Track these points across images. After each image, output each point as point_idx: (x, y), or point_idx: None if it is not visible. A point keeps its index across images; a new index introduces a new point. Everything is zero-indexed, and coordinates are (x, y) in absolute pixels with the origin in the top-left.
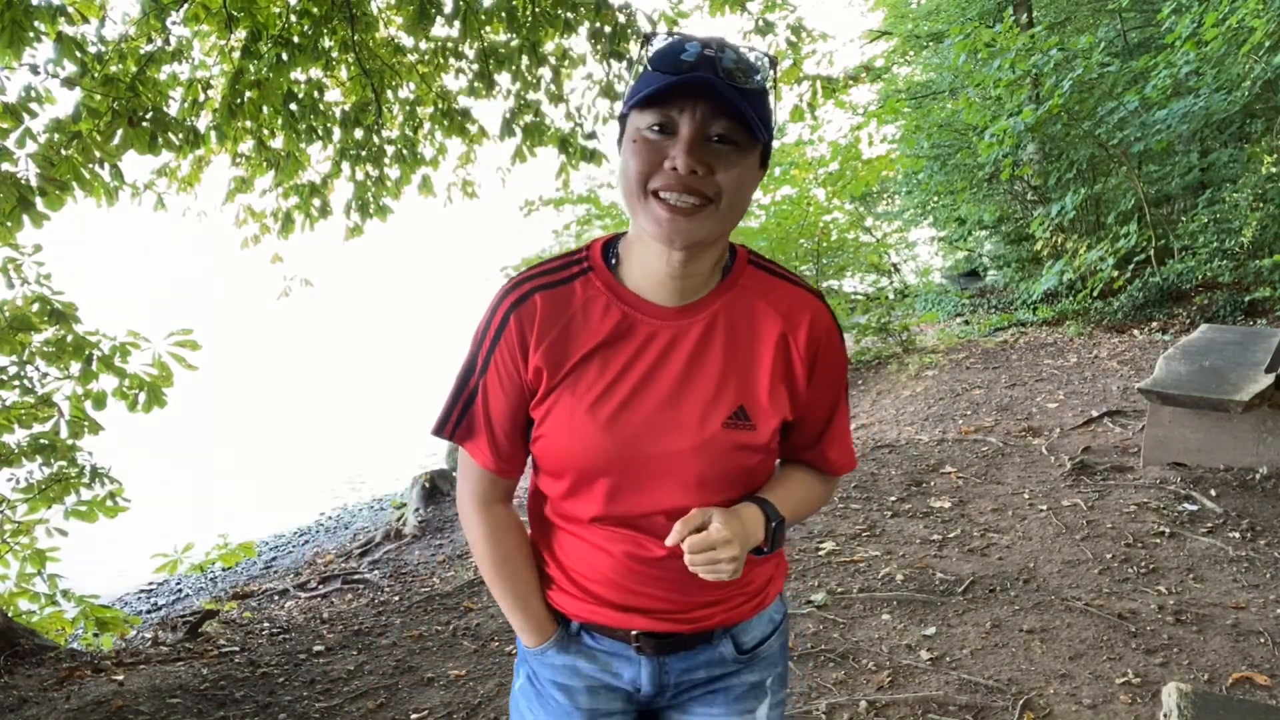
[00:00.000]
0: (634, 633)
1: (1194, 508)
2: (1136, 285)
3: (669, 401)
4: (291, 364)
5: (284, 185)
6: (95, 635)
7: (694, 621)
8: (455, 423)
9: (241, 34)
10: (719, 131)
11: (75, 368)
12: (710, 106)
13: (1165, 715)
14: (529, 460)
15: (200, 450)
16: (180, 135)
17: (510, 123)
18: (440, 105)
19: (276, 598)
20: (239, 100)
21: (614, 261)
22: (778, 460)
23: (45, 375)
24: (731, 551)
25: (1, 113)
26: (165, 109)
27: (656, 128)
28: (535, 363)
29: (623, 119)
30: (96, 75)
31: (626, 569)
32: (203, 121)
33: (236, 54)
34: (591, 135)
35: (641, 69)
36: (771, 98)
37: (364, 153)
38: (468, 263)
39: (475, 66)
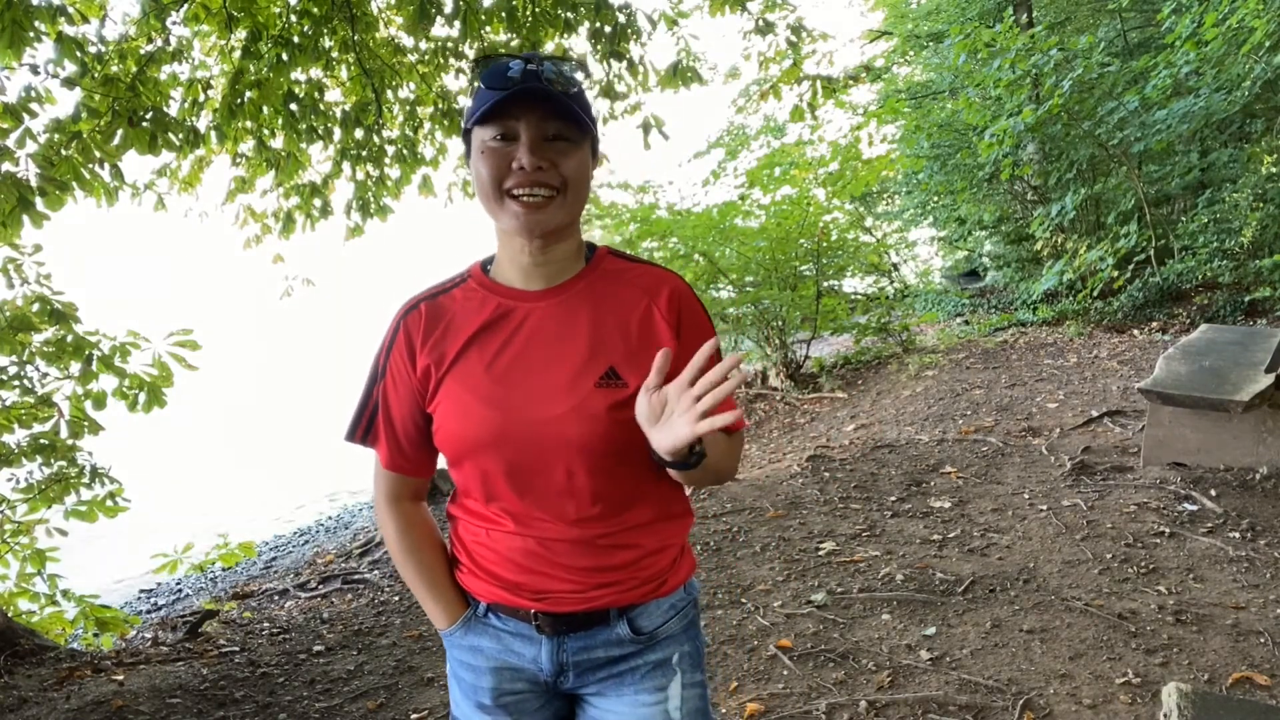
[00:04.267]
0: (533, 612)
1: (1194, 508)
2: (1136, 285)
3: (543, 370)
4: (291, 363)
5: (284, 185)
6: (95, 635)
7: (587, 601)
8: (364, 429)
9: (241, 34)
10: (554, 131)
11: (75, 368)
12: (542, 110)
13: (1165, 715)
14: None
15: (201, 449)
16: (180, 135)
17: None
18: (440, 105)
19: (276, 598)
20: (239, 100)
21: (489, 269)
22: None
23: (45, 375)
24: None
25: (1, 113)
26: (165, 109)
27: (499, 137)
28: (423, 363)
29: (466, 136)
30: (96, 75)
31: (522, 551)
32: (203, 121)
33: (236, 54)
34: None
35: (476, 89)
36: (589, 97)
37: (364, 153)
38: (467, 263)
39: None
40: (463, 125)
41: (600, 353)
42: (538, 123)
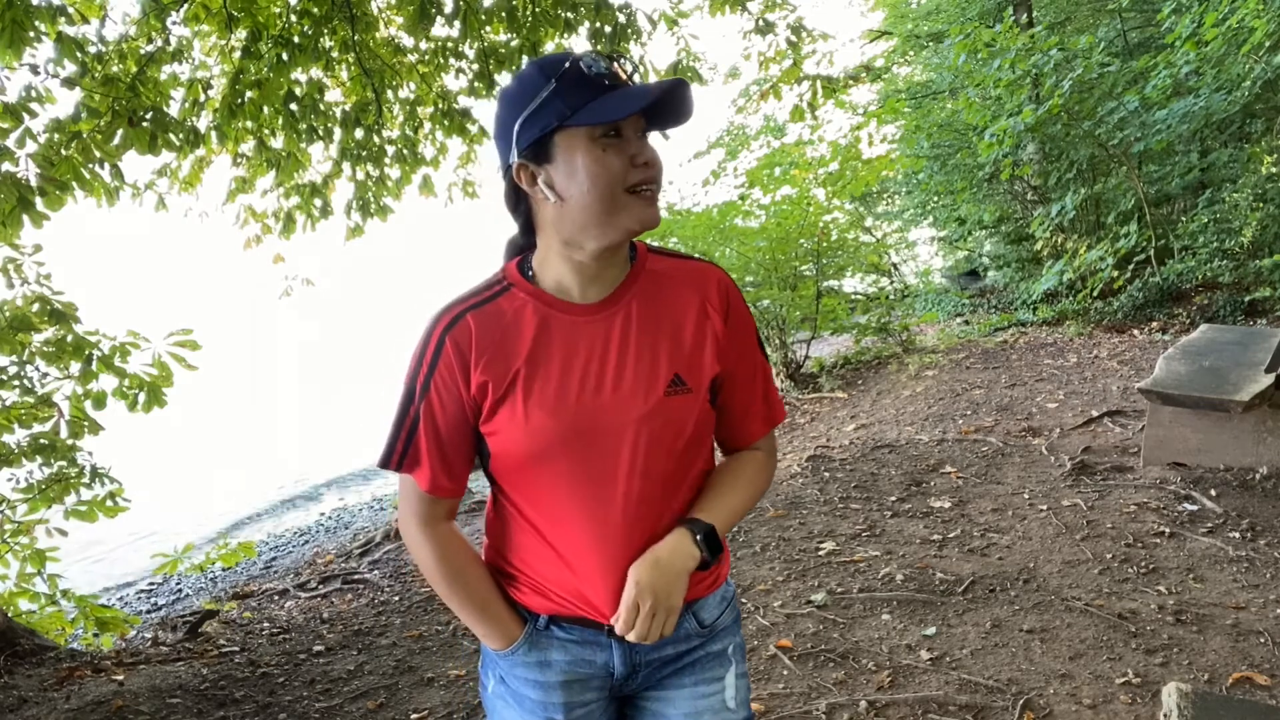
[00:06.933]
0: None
1: (1194, 508)
2: (1136, 285)
3: (612, 382)
4: (292, 363)
5: (285, 185)
6: (95, 635)
7: None
8: (400, 454)
9: (242, 34)
10: (644, 126)
11: (75, 368)
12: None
13: (1165, 715)
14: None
15: (201, 450)
16: (180, 135)
17: None
18: (440, 105)
19: (276, 598)
20: (239, 100)
21: (530, 274)
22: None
23: (45, 375)
24: (648, 605)
25: (1, 113)
26: (165, 109)
27: (613, 133)
28: (478, 379)
29: (545, 138)
30: (96, 75)
31: (592, 559)
32: (203, 121)
33: (237, 54)
34: None
35: (554, 89)
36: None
37: (364, 153)
38: (468, 263)
39: (475, 66)
40: (546, 124)
41: (664, 360)
42: (636, 119)
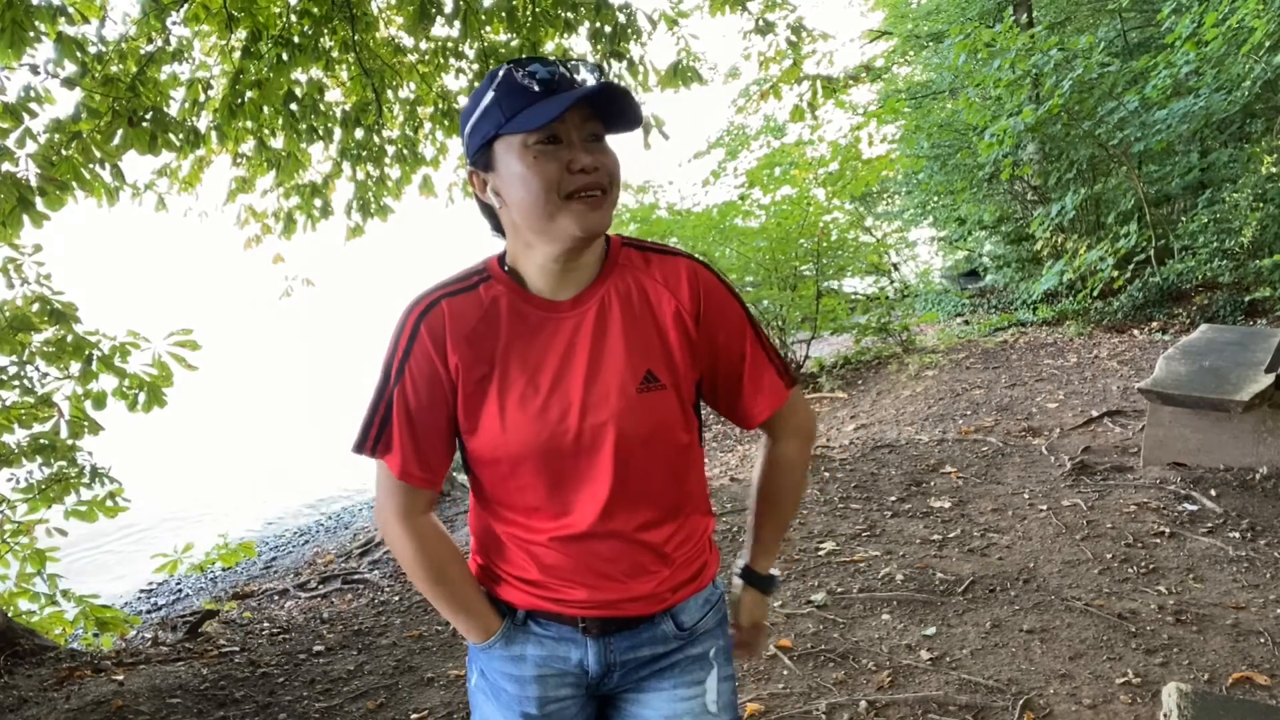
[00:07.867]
0: (579, 617)
1: (1194, 508)
2: (1136, 285)
3: (586, 379)
4: (292, 363)
5: (285, 185)
6: (95, 635)
7: (634, 610)
8: (375, 439)
9: (242, 34)
10: (592, 131)
11: (75, 368)
12: (586, 111)
13: (1165, 715)
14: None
15: (200, 450)
16: (180, 135)
17: None
18: (440, 105)
19: (276, 598)
20: (239, 100)
21: (506, 269)
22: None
23: (45, 375)
24: (757, 638)
25: (1, 113)
26: (165, 109)
27: (548, 140)
28: (454, 360)
29: (488, 145)
30: (96, 75)
31: (568, 559)
32: (203, 121)
33: (237, 54)
34: None
35: (493, 96)
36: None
37: (364, 153)
38: (468, 263)
39: (475, 66)
40: (486, 132)
41: (637, 357)
42: (581, 124)
